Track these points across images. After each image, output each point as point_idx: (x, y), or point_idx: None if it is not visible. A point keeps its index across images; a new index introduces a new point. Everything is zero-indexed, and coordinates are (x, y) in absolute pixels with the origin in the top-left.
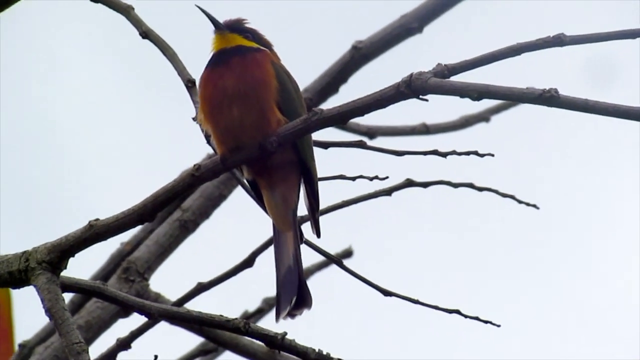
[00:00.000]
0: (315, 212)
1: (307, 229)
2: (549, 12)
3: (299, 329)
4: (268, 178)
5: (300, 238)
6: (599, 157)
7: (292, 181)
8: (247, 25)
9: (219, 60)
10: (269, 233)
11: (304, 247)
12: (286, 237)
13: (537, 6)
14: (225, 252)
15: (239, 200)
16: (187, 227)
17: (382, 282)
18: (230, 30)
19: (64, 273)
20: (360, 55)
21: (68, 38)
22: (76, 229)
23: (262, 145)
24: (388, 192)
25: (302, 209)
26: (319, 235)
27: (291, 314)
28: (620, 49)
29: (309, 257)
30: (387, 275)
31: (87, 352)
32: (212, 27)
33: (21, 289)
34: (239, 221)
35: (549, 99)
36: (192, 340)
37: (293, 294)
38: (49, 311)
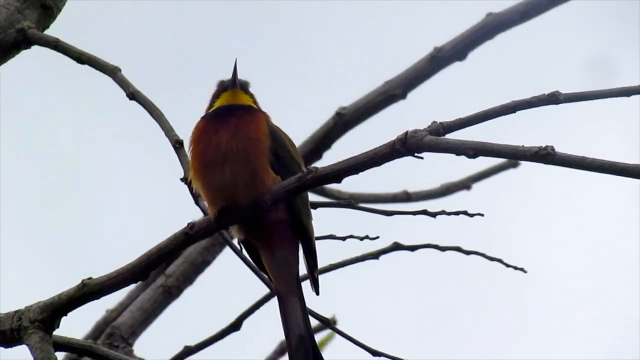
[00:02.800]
0: (314, 271)
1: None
2: (537, 71)
3: None
4: (265, 239)
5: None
6: (589, 220)
7: (290, 242)
8: (248, 85)
9: (221, 115)
10: (254, 298)
11: None
12: (292, 302)
13: (521, 67)
14: (209, 317)
15: (223, 266)
16: (170, 293)
17: (371, 344)
18: (242, 89)
19: (56, 332)
20: (343, 122)
21: (54, 98)
22: (69, 288)
23: (256, 202)
24: (375, 255)
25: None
26: (317, 293)
27: None
28: (620, 49)
29: None
30: (375, 337)
31: None
32: (219, 82)
33: (13, 348)
34: (223, 287)
35: (545, 156)
36: None
37: None
38: None
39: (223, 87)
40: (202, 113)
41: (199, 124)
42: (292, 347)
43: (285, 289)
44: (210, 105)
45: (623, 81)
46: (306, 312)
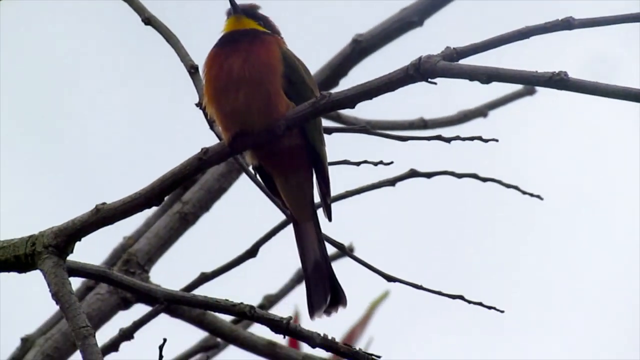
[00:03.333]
0: (326, 197)
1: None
2: (548, 11)
3: (303, 317)
4: (279, 165)
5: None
6: (602, 147)
7: (305, 168)
8: (260, 11)
9: (228, 41)
10: (270, 224)
11: None
12: (307, 228)
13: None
14: (225, 244)
15: (239, 193)
16: (187, 220)
17: (386, 270)
18: (246, 14)
19: (70, 257)
20: (360, 49)
21: (69, 25)
22: (83, 213)
23: (270, 128)
24: (392, 182)
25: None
26: (330, 220)
27: (327, 312)
28: (620, 47)
29: None
30: (390, 264)
31: (94, 336)
32: (225, 9)
33: (27, 274)
34: (239, 214)
35: (559, 81)
36: (192, 337)
37: (327, 291)
38: (55, 295)
39: (227, 16)
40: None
41: (211, 52)
42: (308, 273)
43: (300, 215)
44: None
45: (623, 81)
46: (322, 238)
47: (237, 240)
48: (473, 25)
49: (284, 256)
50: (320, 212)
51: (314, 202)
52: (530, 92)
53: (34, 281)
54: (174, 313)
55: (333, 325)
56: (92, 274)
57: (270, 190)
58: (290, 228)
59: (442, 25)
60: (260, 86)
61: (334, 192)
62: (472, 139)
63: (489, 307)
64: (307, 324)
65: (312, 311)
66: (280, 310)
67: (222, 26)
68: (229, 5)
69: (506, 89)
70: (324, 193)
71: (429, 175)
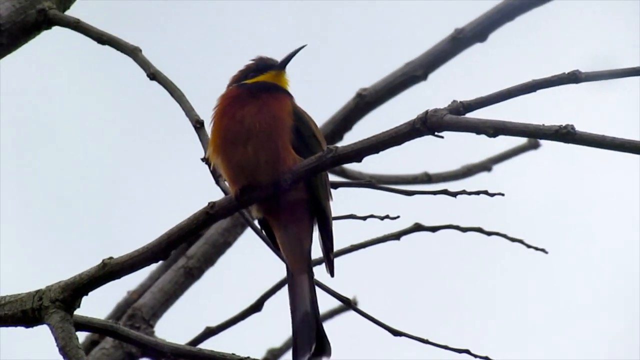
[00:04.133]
0: (329, 252)
1: (317, 270)
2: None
3: None
4: (281, 217)
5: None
6: (608, 200)
7: (305, 221)
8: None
9: (254, 90)
10: (275, 279)
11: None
12: (301, 279)
13: (542, 49)
14: (230, 298)
15: (244, 248)
16: (192, 274)
17: (392, 324)
18: (281, 68)
19: (77, 312)
20: (364, 103)
21: (74, 78)
22: (90, 267)
23: (276, 182)
24: (397, 236)
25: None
26: (332, 275)
27: None
28: (620, 50)
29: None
30: (396, 318)
31: None
32: (263, 58)
33: (34, 328)
34: (244, 268)
35: (565, 135)
36: None
37: (311, 341)
38: (62, 349)
39: (267, 65)
40: (227, 83)
41: (229, 91)
42: (296, 322)
43: (295, 266)
44: (244, 77)
45: (623, 81)
46: (314, 290)
47: (242, 294)
48: (477, 79)
49: (289, 310)
50: (321, 267)
51: (310, 254)
52: (535, 145)
53: (40, 335)
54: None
55: None
56: (99, 329)
57: (274, 243)
58: None
59: (447, 79)
60: (269, 139)
61: (339, 245)
62: (477, 193)
63: None
64: None
65: (296, 359)
66: None
67: (242, 68)
68: (265, 55)
69: (510, 142)
70: (327, 248)
71: (433, 229)
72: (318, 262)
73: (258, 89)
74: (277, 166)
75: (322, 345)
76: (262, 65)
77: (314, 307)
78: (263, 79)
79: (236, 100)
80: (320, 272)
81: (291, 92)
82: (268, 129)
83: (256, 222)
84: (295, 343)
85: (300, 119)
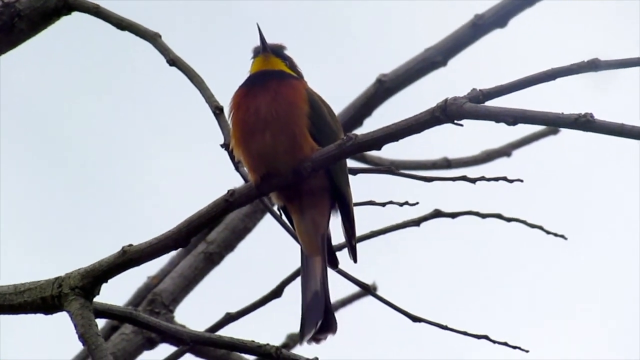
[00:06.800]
0: (352, 238)
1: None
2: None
3: (329, 357)
4: (299, 203)
5: (335, 264)
6: (628, 186)
7: (323, 206)
8: (286, 52)
9: (257, 81)
10: (295, 264)
11: (334, 274)
12: (314, 261)
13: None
14: (250, 283)
15: (264, 233)
16: (212, 260)
17: (411, 310)
18: (274, 53)
19: (96, 299)
20: (384, 89)
21: (94, 64)
22: (109, 255)
23: (297, 170)
24: (416, 222)
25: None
26: (355, 261)
27: (316, 339)
28: (621, 51)
29: (338, 285)
30: (415, 304)
31: None
32: (252, 46)
33: (53, 315)
34: (264, 254)
35: (585, 123)
36: None
37: (318, 318)
38: (82, 336)
39: (255, 52)
40: (243, 79)
41: (238, 91)
42: (305, 303)
43: (310, 248)
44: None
45: (623, 81)
46: (326, 272)
47: (262, 280)
48: (497, 65)
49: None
50: (342, 253)
51: (325, 239)
52: (554, 131)
53: (60, 322)
54: (198, 353)
55: None
56: (118, 316)
57: (293, 227)
58: None
59: (466, 65)
60: (286, 127)
61: (358, 232)
62: (497, 179)
63: (514, 347)
64: None
65: (302, 336)
66: (304, 350)
67: (249, 65)
68: (257, 43)
69: (530, 129)
70: (349, 234)
71: (453, 215)
72: (339, 248)
73: (259, 79)
74: (295, 153)
75: (329, 322)
76: (254, 53)
77: (324, 287)
78: (255, 69)
79: (246, 94)
80: (341, 258)
81: (299, 72)
82: (284, 116)
83: (276, 208)
84: (303, 320)
85: (315, 107)
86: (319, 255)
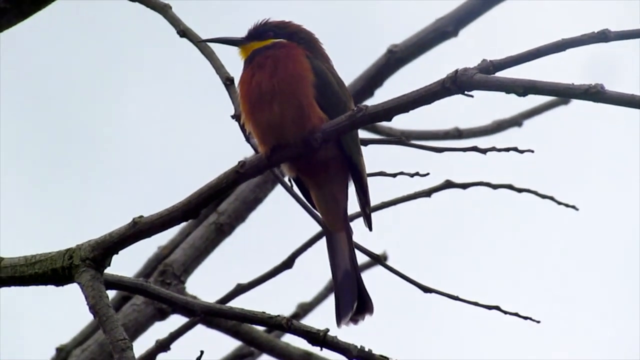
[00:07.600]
0: (366, 207)
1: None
2: (580, 16)
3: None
4: (315, 176)
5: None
6: (636, 157)
7: (340, 179)
8: (268, 24)
9: (251, 61)
10: (306, 235)
11: None
12: (339, 237)
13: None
14: (261, 254)
15: (275, 204)
16: (223, 230)
17: (422, 281)
18: (251, 39)
19: (107, 271)
20: (395, 59)
21: (104, 36)
22: (120, 226)
23: (307, 141)
24: (427, 193)
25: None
26: (370, 229)
27: (354, 320)
28: (621, 49)
29: None
30: (426, 275)
31: (132, 349)
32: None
33: (64, 287)
34: (275, 225)
35: (595, 94)
36: (228, 346)
37: (354, 299)
38: (92, 308)
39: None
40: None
41: (241, 75)
42: (338, 281)
43: (334, 225)
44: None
45: (623, 80)
46: (353, 248)
47: (273, 250)
48: (507, 35)
49: (319, 267)
50: (357, 222)
51: (347, 212)
52: (565, 101)
53: (70, 293)
54: (210, 323)
55: (370, 337)
56: (129, 287)
57: (307, 200)
58: (325, 239)
59: (477, 34)
60: (292, 97)
61: (371, 202)
62: (507, 149)
63: (525, 318)
64: (344, 335)
65: (339, 318)
66: (315, 319)
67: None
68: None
69: (541, 99)
70: (363, 203)
71: (464, 186)
72: (351, 218)
73: (251, 59)
74: (304, 124)
75: (365, 303)
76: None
77: (354, 265)
78: (245, 55)
79: (245, 73)
80: (354, 228)
81: (305, 37)
82: (289, 88)
83: (286, 179)
84: (338, 302)
85: (320, 75)
86: (343, 231)
